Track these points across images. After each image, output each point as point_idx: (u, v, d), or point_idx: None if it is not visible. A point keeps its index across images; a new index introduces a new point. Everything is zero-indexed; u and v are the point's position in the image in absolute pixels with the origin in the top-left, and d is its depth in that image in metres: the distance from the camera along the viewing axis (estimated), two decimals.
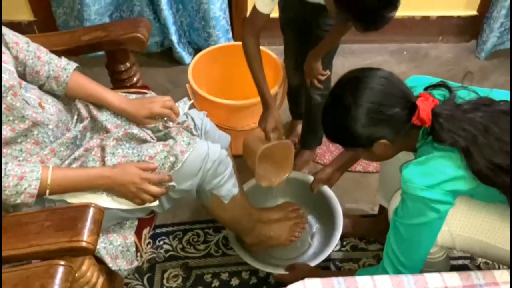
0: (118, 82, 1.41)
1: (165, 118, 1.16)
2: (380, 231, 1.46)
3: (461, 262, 1.45)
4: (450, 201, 0.94)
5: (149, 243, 1.51)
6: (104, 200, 1.00)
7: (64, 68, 1.11)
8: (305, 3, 1.36)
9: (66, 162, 1.03)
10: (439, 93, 1.00)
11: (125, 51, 1.37)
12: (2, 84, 0.93)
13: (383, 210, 1.47)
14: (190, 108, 1.26)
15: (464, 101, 0.97)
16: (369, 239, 1.52)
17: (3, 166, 0.90)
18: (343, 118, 0.96)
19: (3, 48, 1.00)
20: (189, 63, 2.11)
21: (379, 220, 1.50)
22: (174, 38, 2.08)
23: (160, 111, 1.14)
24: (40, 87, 1.10)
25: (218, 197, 1.12)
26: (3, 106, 0.94)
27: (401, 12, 2.14)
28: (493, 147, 0.90)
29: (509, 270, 0.95)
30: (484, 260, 1.46)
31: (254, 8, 1.27)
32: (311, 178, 1.48)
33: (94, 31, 1.33)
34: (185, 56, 2.14)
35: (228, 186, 1.12)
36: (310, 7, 1.36)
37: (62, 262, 0.79)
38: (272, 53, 1.68)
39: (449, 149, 0.93)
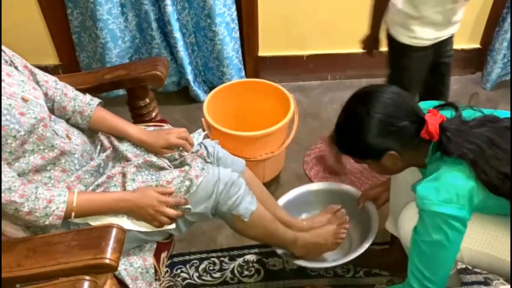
0: (138, 117, 1.50)
1: (181, 148, 1.24)
2: (391, 264, 1.49)
3: (476, 287, 1.46)
4: (466, 215, 0.97)
5: (167, 271, 1.55)
6: (125, 223, 1.07)
7: (88, 104, 1.22)
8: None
9: (90, 188, 1.11)
10: (446, 113, 1.06)
11: (145, 88, 1.46)
12: (35, 116, 1.03)
13: (394, 240, 1.48)
14: (204, 138, 1.35)
15: (470, 119, 1.02)
16: (380, 273, 1.53)
17: (34, 190, 0.98)
18: (356, 129, 1.02)
19: (35, 85, 1.11)
20: (204, 100, 2.23)
21: (390, 252, 1.52)
22: (190, 77, 2.20)
23: (176, 141, 1.23)
24: (67, 121, 1.20)
25: (239, 217, 1.17)
26: (34, 136, 1.03)
27: None
28: (499, 157, 0.94)
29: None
30: (498, 285, 1.46)
31: None
32: (348, 187, 1.53)
33: (116, 70, 1.43)
34: (201, 94, 2.25)
35: (245, 205, 1.17)
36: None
37: (88, 278, 0.85)
38: (283, 88, 1.76)
39: (458, 162, 0.97)
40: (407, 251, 1.15)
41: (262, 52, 2.26)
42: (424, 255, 1.02)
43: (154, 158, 1.19)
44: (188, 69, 2.17)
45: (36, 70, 1.17)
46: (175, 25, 2.03)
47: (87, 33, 2.11)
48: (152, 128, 1.32)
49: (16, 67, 1.10)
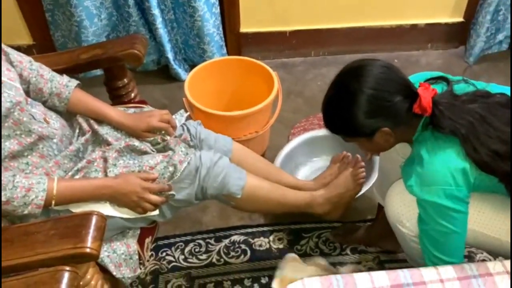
0: (116, 98, 1.45)
1: (163, 132, 1.20)
2: (376, 238, 1.49)
3: None
4: (465, 195, 0.95)
5: (152, 254, 1.53)
6: (107, 209, 1.04)
7: (66, 85, 1.16)
8: None
9: (70, 173, 1.06)
10: (437, 87, 1.02)
11: (123, 67, 1.41)
12: (10, 100, 0.97)
13: (378, 214, 1.48)
14: (186, 119, 1.31)
15: (462, 93, 1.00)
16: (367, 245, 1.53)
17: (11, 178, 0.93)
18: (347, 105, 0.97)
19: (9, 66, 1.05)
20: (185, 79, 2.17)
21: (374, 226, 1.51)
22: (170, 55, 2.13)
23: (158, 124, 1.18)
24: (43, 103, 1.15)
25: (231, 196, 1.14)
26: (10, 121, 0.98)
27: (390, 21, 2.23)
28: (490, 135, 0.93)
29: (502, 261, 0.98)
30: (481, 258, 1.48)
31: None
32: None
33: (92, 49, 1.38)
34: (181, 73, 2.19)
35: (233, 181, 1.13)
36: None
37: (68, 268, 0.82)
38: (266, 65, 1.72)
39: (447, 140, 0.95)
40: (392, 226, 1.15)
41: (243, 29, 2.20)
42: (437, 242, 1.01)
43: (136, 142, 1.14)
44: (168, 47, 2.10)
45: (9, 50, 1.11)
46: (153, 1, 1.95)
47: (61, 10, 2.02)
48: (132, 110, 1.27)
49: None
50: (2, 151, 0.98)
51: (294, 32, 2.23)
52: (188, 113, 1.33)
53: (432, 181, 0.95)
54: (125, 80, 1.43)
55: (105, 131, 1.16)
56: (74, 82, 1.18)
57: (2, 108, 0.95)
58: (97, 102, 1.19)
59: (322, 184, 1.37)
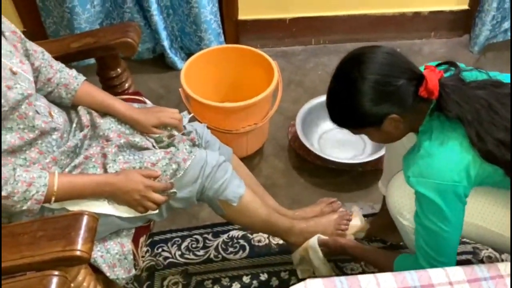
0: (109, 89, 1.39)
1: (169, 128, 1.16)
2: (383, 226, 1.44)
3: (464, 257, 1.44)
4: (465, 191, 0.92)
5: (147, 250, 1.48)
6: (106, 207, 1.00)
7: (75, 77, 1.14)
8: None
9: (66, 170, 1.02)
10: (446, 74, 0.98)
11: (116, 57, 1.35)
12: (21, 92, 0.93)
13: (384, 205, 1.44)
14: (190, 121, 1.27)
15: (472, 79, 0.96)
16: (370, 238, 1.50)
17: (12, 172, 0.89)
18: (351, 94, 0.93)
19: (23, 58, 1.01)
20: (181, 68, 2.11)
21: (379, 216, 1.47)
22: (166, 43, 2.06)
23: (169, 121, 1.15)
24: (47, 95, 1.10)
25: (227, 202, 1.11)
26: (16, 114, 0.94)
27: (392, 8, 2.17)
28: (495, 123, 0.89)
29: None
30: (486, 254, 1.44)
31: None
32: None
33: (83, 38, 1.31)
34: (178, 61, 2.13)
35: (233, 188, 1.11)
36: None
37: (56, 272, 0.77)
38: (265, 54, 1.66)
39: (453, 128, 0.91)
40: (393, 218, 1.12)
41: (242, 16, 2.13)
42: (428, 237, 0.98)
43: (137, 138, 1.10)
44: (163, 34, 2.03)
45: (25, 38, 1.06)
46: None
47: None
48: (136, 105, 1.22)
49: (3, 33, 0.98)
50: (2, 144, 0.93)
51: (294, 20, 2.16)
52: (192, 114, 1.28)
53: (429, 174, 0.91)
54: (119, 70, 1.37)
55: (107, 126, 1.11)
56: (82, 76, 1.16)
57: (11, 99, 0.91)
58: (105, 95, 1.16)
59: (301, 217, 1.35)
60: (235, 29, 2.15)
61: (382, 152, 1.60)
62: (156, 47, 2.16)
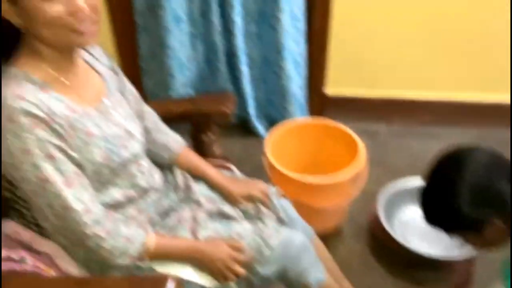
0: (200, 151, 1.44)
1: (258, 202, 1.18)
2: None
3: None
4: None
5: None
6: (189, 273, 1.00)
7: (177, 141, 1.20)
8: None
9: (160, 230, 1.04)
10: None
11: (210, 123, 1.41)
12: (132, 151, 0.99)
13: None
14: (276, 195, 1.27)
15: None
16: None
17: (114, 226, 0.92)
18: (448, 197, 0.89)
19: (136, 119, 1.08)
20: (264, 136, 2.16)
21: None
22: (252, 111, 2.14)
23: (258, 194, 1.17)
24: (150, 154, 1.16)
25: (306, 286, 1.08)
26: (123, 171, 0.98)
27: (487, 94, 2.08)
28: None
29: None
30: None
31: None
32: None
33: (183, 103, 1.41)
34: (260, 129, 2.18)
35: (315, 273, 1.08)
36: None
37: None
38: (352, 133, 1.66)
39: None
40: None
41: (328, 90, 2.17)
42: None
43: (227, 208, 1.13)
44: (251, 103, 2.12)
45: (141, 100, 1.16)
46: (243, 58, 1.99)
47: (155, 60, 2.11)
48: (225, 173, 1.26)
49: (122, 92, 1.07)
50: (106, 199, 0.97)
51: (381, 99, 2.16)
52: (277, 188, 1.28)
53: None
54: (210, 135, 1.43)
55: (199, 190, 1.15)
56: (183, 141, 1.22)
57: (124, 158, 0.97)
58: (200, 161, 1.21)
59: None
60: (320, 103, 2.19)
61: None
62: (241, 114, 2.24)
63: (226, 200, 1.16)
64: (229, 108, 1.35)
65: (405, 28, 2.00)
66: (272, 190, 1.24)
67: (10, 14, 0.81)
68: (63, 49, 0.88)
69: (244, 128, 2.23)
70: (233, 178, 1.22)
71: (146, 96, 2.24)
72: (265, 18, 1.95)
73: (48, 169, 0.83)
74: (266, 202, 1.17)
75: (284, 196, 1.25)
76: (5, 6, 0.81)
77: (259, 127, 2.18)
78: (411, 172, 1.74)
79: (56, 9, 0.80)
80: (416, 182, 1.64)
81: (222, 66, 2.05)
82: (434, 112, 2.17)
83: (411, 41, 2.03)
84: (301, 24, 1.95)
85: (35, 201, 0.86)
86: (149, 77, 2.19)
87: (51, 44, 0.85)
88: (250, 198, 1.16)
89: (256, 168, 1.82)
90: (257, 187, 1.18)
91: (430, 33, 1.99)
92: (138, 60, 2.14)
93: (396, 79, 2.12)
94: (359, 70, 2.11)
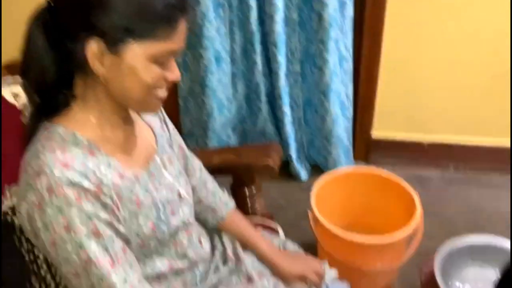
0: (239, 207, 1.34)
1: (311, 285, 1.06)
2: None
3: None
4: None
5: None
6: None
7: (225, 204, 1.08)
8: None
9: None
10: None
11: (253, 176, 1.31)
12: (183, 219, 0.88)
13: None
14: (329, 277, 1.14)
15: None
16: None
17: None
18: None
19: (186, 177, 0.96)
20: (305, 180, 2.05)
21: None
22: (293, 154, 2.03)
23: (311, 276, 1.04)
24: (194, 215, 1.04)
25: None
26: (172, 240, 0.87)
27: None
28: None
29: None
30: None
31: None
32: None
33: (225, 153, 1.32)
34: (302, 172, 2.07)
35: None
36: None
37: None
38: (406, 184, 1.52)
39: None
40: None
41: (375, 134, 2.04)
42: None
43: (281, 286, 1.00)
44: (293, 145, 2.01)
45: (188, 153, 1.03)
46: (285, 99, 1.90)
47: (194, 99, 2.05)
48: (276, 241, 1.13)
49: (170, 145, 0.95)
50: (150, 270, 0.85)
51: (433, 143, 2.01)
52: (330, 268, 1.15)
53: None
54: (253, 189, 1.32)
55: (250, 263, 1.03)
56: (232, 203, 1.09)
57: (172, 227, 0.85)
58: (250, 229, 1.07)
59: None
60: (366, 147, 2.07)
61: None
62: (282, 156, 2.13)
63: (275, 276, 1.03)
64: (275, 162, 1.24)
65: (458, 71, 1.88)
66: (327, 271, 1.10)
67: (97, 58, 0.70)
68: (129, 108, 0.80)
69: (284, 171, 2.11)
70: (285, 253, 1.09)
71: (183, 135, 2.18)
72: (310, 58, 1.87)
73: (94, 249, 0.71)
74: (319, 285, 1.05)
75: (339, 279, 1.11)
76: (94, 47, 0.69)
77: (301, 170, 2.07)
78: (468, 224, 1.58)
79: (156, 72, 0.73)
80: (479, 239, 1.50)
81: (264, 106, 1.97)
82: (491, 158, 2.00)
83: (464, 84, 1.90)
84: (349, 65, 1.85)
85: (76, 282, 0.75)
86: (187, 116, 2.13)
87: (123, 104, 0.77)
88: (303, 279, 1.04)
89: (299, 216, 1.70)
90: (312, 266, 1.05)
91: (485, 77, 1.86)
92: (177, 98, 2.09)
93: (448, 123, 1.98)
94: (407, 114, 1.98)
